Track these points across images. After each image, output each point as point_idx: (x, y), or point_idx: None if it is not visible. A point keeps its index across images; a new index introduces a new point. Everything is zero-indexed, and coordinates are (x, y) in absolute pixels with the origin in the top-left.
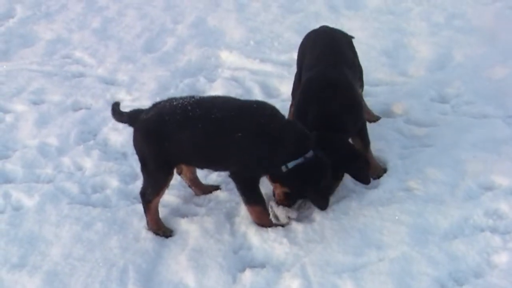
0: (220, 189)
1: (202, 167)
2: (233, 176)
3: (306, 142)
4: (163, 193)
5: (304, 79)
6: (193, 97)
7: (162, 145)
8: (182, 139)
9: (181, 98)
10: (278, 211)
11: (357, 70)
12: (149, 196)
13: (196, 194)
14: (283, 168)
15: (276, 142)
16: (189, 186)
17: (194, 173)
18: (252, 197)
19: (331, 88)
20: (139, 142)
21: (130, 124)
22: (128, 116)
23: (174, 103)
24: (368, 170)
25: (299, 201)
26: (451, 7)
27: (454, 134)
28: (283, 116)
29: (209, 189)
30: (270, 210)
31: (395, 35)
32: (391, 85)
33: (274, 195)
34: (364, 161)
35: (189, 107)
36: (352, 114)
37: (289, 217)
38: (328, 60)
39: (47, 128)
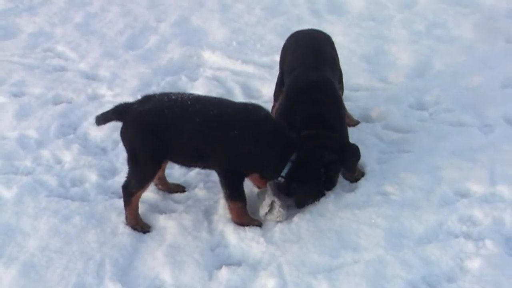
0: (185, 191)
1: (190, 164)
2: (221, 171)
3: (293, 146)
4: (147, 187)
5: (288, 81)
6: (190, 94)
7: (157, 138)
8: (179, 133)
9: (177, 93)
10: (280, 208)
11: (338, 71)
12: (133, 189)
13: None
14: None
15: (269, 143)
16: (155, 184)
17: (163, 170)
18: (235, 193)
19: (316, 90)
20: (131, 134)
21: (118, 118)
22: (115, 111)
23: (173, 97)
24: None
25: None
26: (432, 16)
27: (431, 141)
28: (275, 120)
29: (174, 189)
30: (269, 206)
31: (376, 42)
32: (371, 91)
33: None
34: (355, 150)
35: (189, 102)
36: (338, 113)
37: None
38: (310, 62)
39: (27, 121)
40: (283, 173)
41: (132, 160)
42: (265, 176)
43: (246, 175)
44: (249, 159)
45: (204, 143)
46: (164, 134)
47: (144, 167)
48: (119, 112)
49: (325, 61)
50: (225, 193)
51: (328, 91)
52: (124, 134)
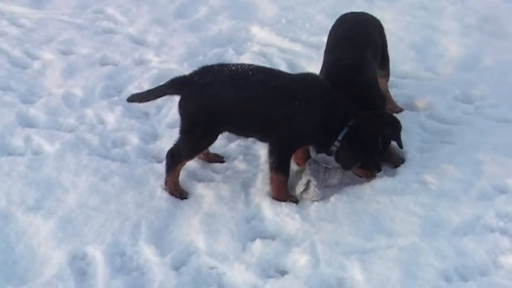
0: (224, 161)
1: (247, 135)
2: (276, 141)
3: (351, 114)
4: (197, 156)
5: (323, 62)
6: (249, 64)
7: (219, 111)
8: (241, 104)
9: (236, 64)
10: (315, 188)
11: (382, 57)
12: (182, 157)
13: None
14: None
15: (329, 112)
16: None
17: None
18: (282, 165)
19: (347, 75)
20: (192, 107)
21: (176, 92)
22: (172, 85)
23: (233, 67)
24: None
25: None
26: (484, 10)
27: (475, 134)
28: (333, 89)
29: (214, 159)
30: (305, 184)
31: (426, 31)
32: (417, 79)
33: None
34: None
35: (250, 73)
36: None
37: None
38: (349, 45)
39: (73, 79)
40: (340, 137)
41: (189, 130)
42: (319, 148)
43: (301, 146)
44: (309, 130)
45: (266, 115)
46: (227, 106)
47: (200, 138)
48: (178, 86)
49: (365, 46)
50: (272, 163)
51: (358, 77)
52: (184, 107)
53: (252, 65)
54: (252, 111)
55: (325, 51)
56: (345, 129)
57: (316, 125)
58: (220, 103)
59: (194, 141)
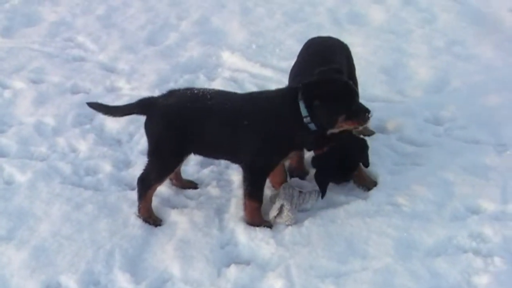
0: (198, 187)
1: (216, 157)
2: (247, 166)
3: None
4: (165, 180)
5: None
6: (210, 89)
7: (181, 132)
8: (200, 127)
9: (200, 88)
10: (288, 212)
11: (350, 79)
12: (151, 181)
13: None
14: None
15: (280, 130)
16: (170, 179)
17: (180, 167)
18: (256, 191)
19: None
20: (156, 127)
21: (142, 112)
22: (139, 105)
23: (195, 91)
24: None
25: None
26: (451, 33)
27: (445, 156)
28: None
29: (187, 185)
30: (278, 209)
31: (395, 55)
32: (387, 102)
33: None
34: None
35: (208, 96)
36: None
37: (293, 219)
38: (315, 68)
39: (44, 108)
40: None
41: (154, 153)
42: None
43: (272, 167)
44: (266, 149)
45: (222, 138)
46: (186, 129)
47: (166, 160)
48: (144, 106)
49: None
50: (246, 189)
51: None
52: (148, 127)
53: (213, 89)
54: (210, 134)
55: (290, 75)
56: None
57: (272, 142)
58: (180, 125)
59: (160, 163)
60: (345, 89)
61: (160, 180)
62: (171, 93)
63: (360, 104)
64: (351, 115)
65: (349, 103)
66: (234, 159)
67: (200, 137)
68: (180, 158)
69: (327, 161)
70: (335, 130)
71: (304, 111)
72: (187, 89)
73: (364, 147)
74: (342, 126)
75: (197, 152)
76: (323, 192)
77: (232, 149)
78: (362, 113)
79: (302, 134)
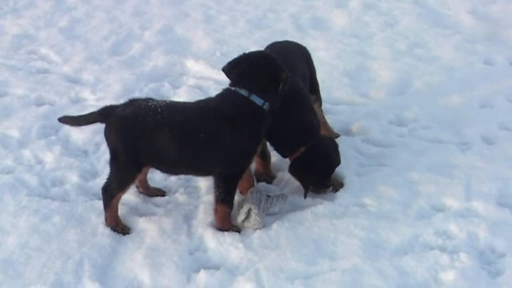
0: (165, 195)
1: (177, 173)
2: (219, 175)
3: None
4: (128, 189)
5: None
6: (164, 101)
7: (134, 143)
8: (150, 141)
9: (157, 100)
10: (256, 216)
11: (312, 83)
12: (114, 190)
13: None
14: None
15: (241, 136)
16: (136, 186)
17: (145, 174)
18: (228, 197)
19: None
20: (112, 136)
21: (102, 120)
22: (100, 113)
23: (149, 103)
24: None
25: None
26: (413, 36)
27: (410, 156)
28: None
29: (155, 193)
30: (246, 213)
31: (358, 58)
32: (351, 105)
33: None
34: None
35: (159, 110)
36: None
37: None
38: None
39: (9, 120)
40: None
41: (114, 162)
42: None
43: (242, 172)
44: (230, 157)
45: (179, 153)
46: (139, 141)
47: (124, 170)
48: (104, 114)
49: (295, 73)
50: (219, 195)
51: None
52: (107, 136)
53: (166, 101)
54: (162, 149)
55: None
56: None
57: (238, 147)
58: (133, 137)
59: (120, 171)
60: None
61: (122, 189)
62: (131, 102)
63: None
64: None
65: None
66: (200, 173)
67: (153, 152)
68: (137, 169)
69: (307, 161)
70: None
71: (255, 99)
72: (146, 99)
73: (336, 146)
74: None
75: (155, 166)
76: (306, 191)
77: (193, 163)
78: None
79: (261, 122)
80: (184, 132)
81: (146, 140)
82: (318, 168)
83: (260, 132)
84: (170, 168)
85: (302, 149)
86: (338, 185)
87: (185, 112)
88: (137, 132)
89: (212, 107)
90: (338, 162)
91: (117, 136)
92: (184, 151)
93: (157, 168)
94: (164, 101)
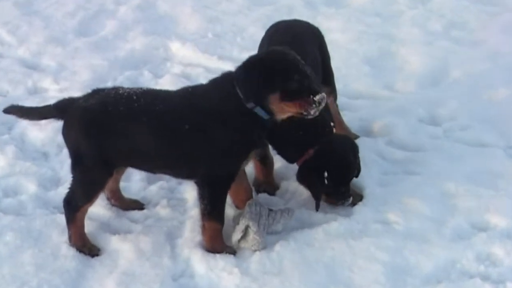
0: (144, 208)
1: (154, 172)
2: (201, 179)
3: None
4: (96, 199)
5: None
6: (140, 88)
7: (103, 139)
8: (125, 134)
9: (129, 88)
10: (255, 235)
11: (325, 72)
12: (79, 201)
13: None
14: None
15: (237, 130)
16: (107, 198)
17: (117, 182)
18: (215, 210)
19: None
20: (73, 134)
21: (59, 116)
22: (57, 106)
23: (120, 91)
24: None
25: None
26: (450, 14)
27: (444, 162)
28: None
29: (131, 206)
30: (243, 231)
31: (381, 42)
32: (373, 99)
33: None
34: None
35: (135, 97)
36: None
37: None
38: None
39: None
40: None
41: (77, 166)
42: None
43: (231, 179)
44: (219, 156)
45: (158, 147)
46: (110, 135)
47: (91, 174)
48: (61, 108)
49: (303, 59)
50: (204, 209)
51: None
52: (66, 135)
53: (143, 88)
54: (140, 143)
55: None
56: None
57: (224, 144)
58: (101, 132)
59: (85, 177)
60: (281, 58)
61: (88, 200)
62: (95, 93)
63: (308, 81)
64: (289, 94)
65: (285, 76)
66: (180, 174)
67: (128, 147)
68: (107, 172)
69: (319, 165)
70: (282, 116)
71: None
72: (114, 88)
73: (355, 148)
74: (283, 108)
75: (130, 164)
76: (318, 202)
77: (174, 161)
78: (306, 92)
79: (254, 125)
80: (165, 122)
81: (118, 133)
82: (333, 173)
83: (253, 131)
84: (147, 166)
85: (311, 151)
86: (356, 198)
87: (167, 100)
88: (106, 125)
89: (200, 95)
90: (357, 167)
91: (80, 133)
92: (165, 144)
93: (132, 166)
94: (141, 88)
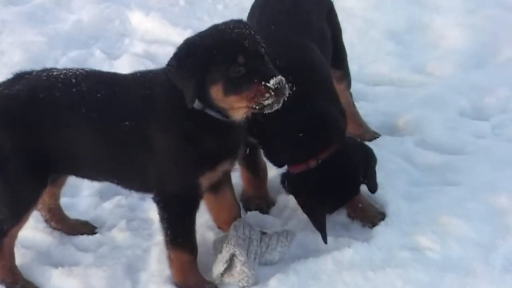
0: (96, 232)
1: (101, 180)
2: (158, 194)
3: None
4: (26, 219)
5: None
6: (80, 69)
7: (33, 136)
8: (60, 128)
9: (64, 69)
10: (243, 266)
11: (335, 50)
12: (5, 224)
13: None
14: None
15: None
16: (45, 219)
17: (56, 197)
18: (179, 235)
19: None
20: None
21: None
22: None
23: (55, 73)
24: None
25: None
26: None
27: (494, 169)
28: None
29: (79, 229)
30: (227, 261)
31: (410, 10)
32: (398, 86)
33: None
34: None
35: (74, 81)
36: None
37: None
38: (280, 35)
39: None
40: None
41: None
42: None
43: (200, 189)
44: (178, 160)
45: (103, 146)
46: (42, 132)
47: (18, 187)
48: None
49: (307, 33)
50: (165, 234)
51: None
52: None
53: (84, 70)
54: (80, 141)
55: None
56: None
57: (178, 149)
58: (29, 127)
59: (9, 191)
60: (220, 36)
61: (16, 222)
62: (19, 77)
63: (258, 63)
64: (232, 83)
65: (224, 61)
66: (130, 184)
67: (66, 146)
68: (39, 181)
69: (318, 184)
70: (237, 114)
71: None
72: (46, 70)
73: (371, 158)
74: (231, 104)
75: (69, 171)
76: (323, 234)
77: (119, 166)
78: (255, 79)
79: (208, 130)
80: (105, 115)
81: (52, 129)
82: (338, 192)
83: (206, 138)
84: (89, 172)
85: (313, 163)
86: (376, 217)
87: (112, 87)
88: (36, 118)
89: (144, 86)
90: (371, 179)
91: (2, 129)
92: (104, 143)
93: (71, 173)
94: (83, 69)
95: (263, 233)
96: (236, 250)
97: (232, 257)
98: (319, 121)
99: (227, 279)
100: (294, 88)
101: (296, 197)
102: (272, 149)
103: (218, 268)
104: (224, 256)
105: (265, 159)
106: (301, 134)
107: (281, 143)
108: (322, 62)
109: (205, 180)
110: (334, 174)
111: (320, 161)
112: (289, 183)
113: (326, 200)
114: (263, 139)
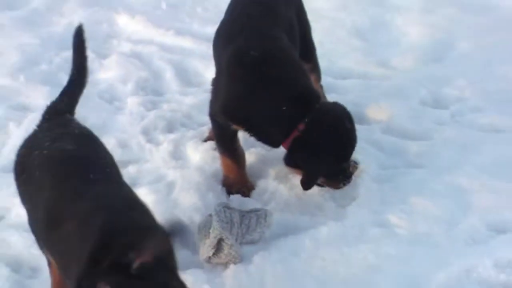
0: None
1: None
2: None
3: None
4: None
5: (225, 57)
6: None
7: None
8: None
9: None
10: (230, 249)
11: (305, 44)
12: None
13: None
14: None
15: None
16: None
17: None
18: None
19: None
20: None
21: None
22: None
23: None
24: None
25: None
26: None
27: (454, 152)
28: None
29: None
30: (215, 246)
31: (373, 9)
32: (365, 79)
33: None
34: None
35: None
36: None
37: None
38: (253, 27)
39: None
40: None
41: None
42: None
43: None
44: None
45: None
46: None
47: None
48: None
49: (277, 25)
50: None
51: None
52: None
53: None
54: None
55: (217, 43)
56: None
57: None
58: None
59: None
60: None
61: None
62: None
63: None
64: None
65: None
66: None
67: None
68: None
69: (313, 141)
70: None
71: None
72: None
73: (350, 115)
74: None
75: None
76: (310, 183)
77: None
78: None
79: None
80: None
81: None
82: (333, 148)
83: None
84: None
85: (302, 126)
86: (354, 169)
87: None
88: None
89: None
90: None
91: None
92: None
93: None
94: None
95: (243, 215)
96: (223, 234)
97: (219, 242)
98: (297, 90)
99: (215, 260)
100: (271, 73)
101: (293, 166)
102: (265, 131)
103: (207, 252)
104: (212, 241)
105: (259, 143)
106: (284, 108)
107: (271, 121)
108: (291, 49)
109: None
110: (323, 128)
111: (307, 120)
112: (290, 154)
113: (320, 153)
114: (253, 125)
